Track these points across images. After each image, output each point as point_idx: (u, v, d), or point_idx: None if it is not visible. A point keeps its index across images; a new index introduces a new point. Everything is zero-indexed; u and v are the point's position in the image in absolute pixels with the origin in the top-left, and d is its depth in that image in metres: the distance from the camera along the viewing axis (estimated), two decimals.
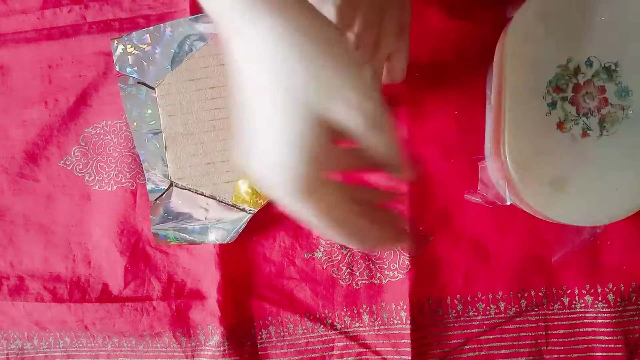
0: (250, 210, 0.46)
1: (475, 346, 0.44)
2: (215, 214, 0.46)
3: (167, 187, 0.47)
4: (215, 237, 0.45)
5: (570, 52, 0.37)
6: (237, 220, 0.46)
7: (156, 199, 0.47)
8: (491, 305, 0.44)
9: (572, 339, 0.44)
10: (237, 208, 0.46)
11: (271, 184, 0.25)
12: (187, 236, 0.46)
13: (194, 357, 0.47)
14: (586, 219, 0.38)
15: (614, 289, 0.43)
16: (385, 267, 0.45)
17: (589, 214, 0.37)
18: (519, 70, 0.37)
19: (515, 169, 0.37)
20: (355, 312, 0.46)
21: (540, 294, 0.44)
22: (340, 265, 0.46)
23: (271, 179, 0.25)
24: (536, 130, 0.37)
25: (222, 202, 0.46)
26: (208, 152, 0.47)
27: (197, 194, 0.47)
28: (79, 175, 0.49)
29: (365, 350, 0.45)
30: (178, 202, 0.47)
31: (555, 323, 0.44)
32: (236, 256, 0.47)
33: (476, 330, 0.44)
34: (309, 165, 0.24)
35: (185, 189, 0.47)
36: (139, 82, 0.48)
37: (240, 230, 0.45)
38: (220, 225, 0.46)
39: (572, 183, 0.37)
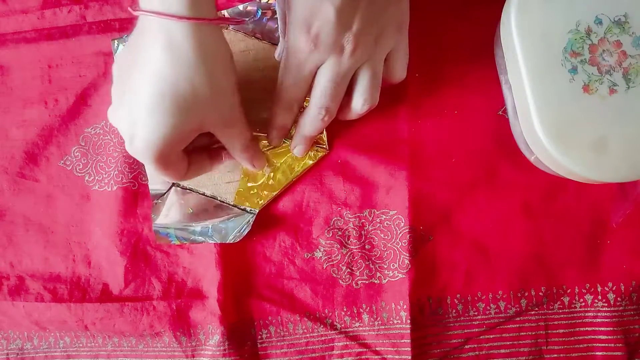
0: (251, 210, 0.46)
1: (476, 346, 0.45)
2: (216, 214, 0.46)
3: (168, 187, 0.47)
4: (216, 237, 0.45)
5: (577, 15, 0.37)
6: (238, 220, 0.46)
7: (157, 199, 0.47)
8: (491, 305, 0.44)
9: (572, 339, 0.44)
10: (238, 208, 0.46)
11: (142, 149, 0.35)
12: (189, 236, 0.46)
13: (194, 357, 0.47)
14: (636, 173, 0.37)
15: (614, 288, 0.44)
16: (385, 266, 0.45)
17: (636, 167, 0.37)
18: (530, 45, 0.37)
19: (553, 143, 0.37)
20: (355, 311, 0.46)
21: (541, 293, 0.44)
22: (340, 265, 0.46)
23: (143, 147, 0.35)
24: (563, 99, 0.37)
25: (223, 202, 0.46)
26: None
27: (199, 194, 0.47)
28: (79, 175, 0.49)
29: (365, 350, 0.45)
30: (179, 202, 0.47)
31: (555, 322, 0.44)
32: (236, 256, 0.47)
33: (476, 329, 0.45)
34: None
35: (187, 189, 0.47)
36: None
37: (244, 232, 0.45)
38: (221, 225, 0.46)
39: (613, 141, 0.36)
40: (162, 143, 0.34)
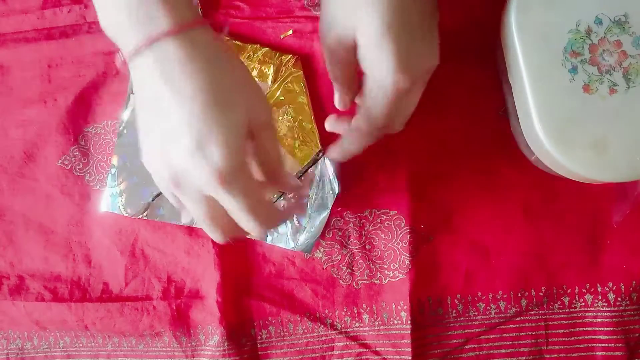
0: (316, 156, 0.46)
1: (476, 346, 0.45)
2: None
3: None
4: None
5: (577, 15, 0.37)
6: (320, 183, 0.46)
7: (156, 197, 0.47)
8: (491, 305, 0.44)
9: (572, 339, 0.44)
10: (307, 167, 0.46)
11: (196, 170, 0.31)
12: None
13: (194, 357, 0.47)
14: (636, 173, 0.37)
15: (614, 288, 0.44)
16: (386, 267, 0.45)
17: (636, 167, 0.37)
18: (530, 45, 0.37)
19: (553, 143, 0.37)
20: (356, 312, 0.46)
21: (541, 293, 0.44)
22: (341, 265, 0.46)
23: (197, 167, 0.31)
24: (563, 98, 0.37)
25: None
26: None
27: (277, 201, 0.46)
28: (79, 174, 0.49)
29: (365, 350, 0.45)
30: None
31: (556, 322, 0.44)
32: (236, 256, 0.47)
33: (476, 330, 0.44)
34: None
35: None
36: None
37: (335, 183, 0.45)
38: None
39: (612, 141, 0.36)
40: (234, 136, 0.32)
